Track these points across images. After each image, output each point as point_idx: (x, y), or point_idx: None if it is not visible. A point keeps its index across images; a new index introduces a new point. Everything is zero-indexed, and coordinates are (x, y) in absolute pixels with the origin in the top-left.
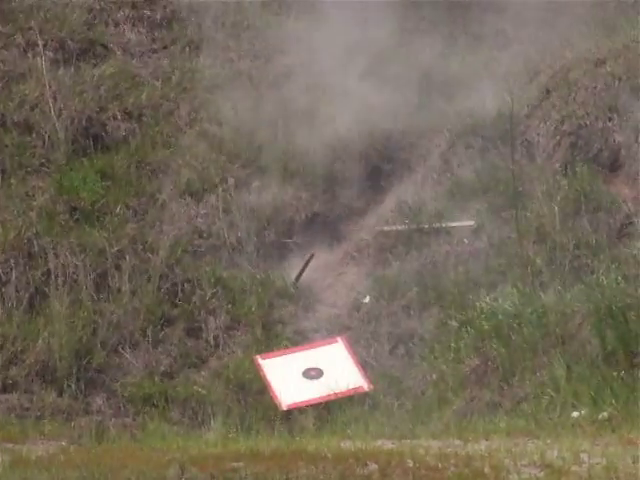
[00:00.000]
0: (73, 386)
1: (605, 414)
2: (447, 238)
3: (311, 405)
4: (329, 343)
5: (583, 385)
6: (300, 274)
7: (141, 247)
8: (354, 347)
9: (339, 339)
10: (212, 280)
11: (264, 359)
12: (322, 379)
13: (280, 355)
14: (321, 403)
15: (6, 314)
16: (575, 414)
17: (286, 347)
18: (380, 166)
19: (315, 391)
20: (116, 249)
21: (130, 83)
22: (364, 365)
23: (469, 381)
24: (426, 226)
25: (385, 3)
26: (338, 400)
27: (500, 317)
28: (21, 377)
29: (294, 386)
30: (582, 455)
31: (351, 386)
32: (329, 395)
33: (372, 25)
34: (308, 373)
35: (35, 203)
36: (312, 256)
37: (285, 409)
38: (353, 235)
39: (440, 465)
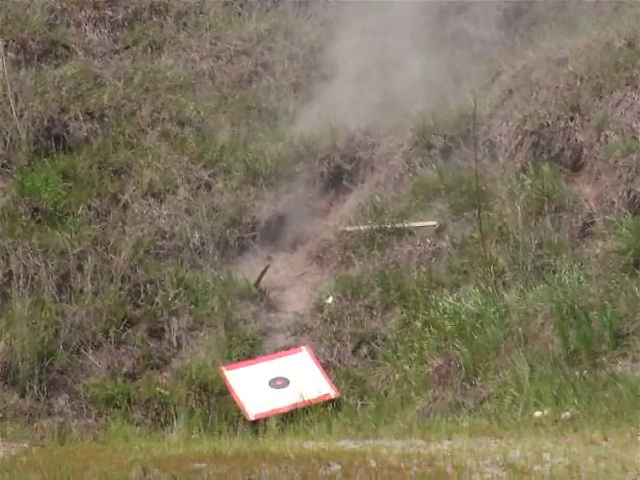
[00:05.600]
0: (35, 387)
1: (567, 414)
2: (410, 238)
3: (279, 414)
4: (294, 352)
5: (546, 385)
6: (257, 282)
7: (103, 248)
8: (317, 347)
9: (303, 348)
10: (175, 281)
11: (229, 370)
12: (288, 388)
13: (245, 365)
14: (289, 412)
15: None
16: (538, 413)
17: (250, 357)
18: (342, 166)
19: (282, 400)
20: (78, 250)
21: (92, 84)
22: (327, 366)
23: (432, 381)
24: (389, 226)
25: (349, 2)
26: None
27: (463, 317)
28: None
29: (261, 396)
30: (544, 454)
31: (318, 394)
32: (296, 403)
33: (335, 23)
34: (274, 383)
35: None
36: (267, 267)
37: (253, 419)
38: (316, 235)
39: (403, 465)
